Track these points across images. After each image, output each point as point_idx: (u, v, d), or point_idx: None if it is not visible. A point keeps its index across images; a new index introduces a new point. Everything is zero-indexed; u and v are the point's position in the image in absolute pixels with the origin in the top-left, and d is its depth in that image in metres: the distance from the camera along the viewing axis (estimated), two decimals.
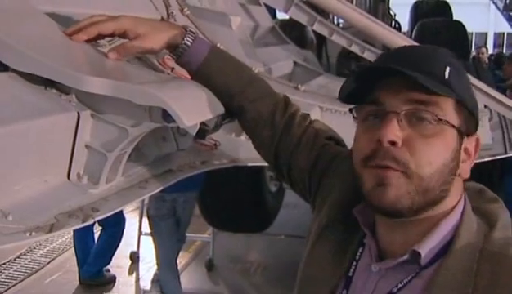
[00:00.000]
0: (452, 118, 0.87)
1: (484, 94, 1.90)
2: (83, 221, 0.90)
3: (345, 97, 0.93)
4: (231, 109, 1.15)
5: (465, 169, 0.91)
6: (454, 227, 0.90)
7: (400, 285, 0.89)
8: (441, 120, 0.85)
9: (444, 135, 0.86)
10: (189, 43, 1.11)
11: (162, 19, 1.51)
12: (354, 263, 0.97)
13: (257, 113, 1.16)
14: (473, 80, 1.91)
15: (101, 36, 1.06)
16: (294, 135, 1.16)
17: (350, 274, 0.96)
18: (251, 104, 1.16)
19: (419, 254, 0.87)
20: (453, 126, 0.86)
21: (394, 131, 0.84)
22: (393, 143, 0.84)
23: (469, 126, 0.90)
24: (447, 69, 0.87)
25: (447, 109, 0.86)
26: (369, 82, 0.89)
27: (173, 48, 1.12)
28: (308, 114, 1.22)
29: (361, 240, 0.98)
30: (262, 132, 1.18)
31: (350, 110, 0.94)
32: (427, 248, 0.88)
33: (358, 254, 0.97)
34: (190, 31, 1.13)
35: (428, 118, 0.85)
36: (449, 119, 0.86)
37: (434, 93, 0.84)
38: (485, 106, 1.90)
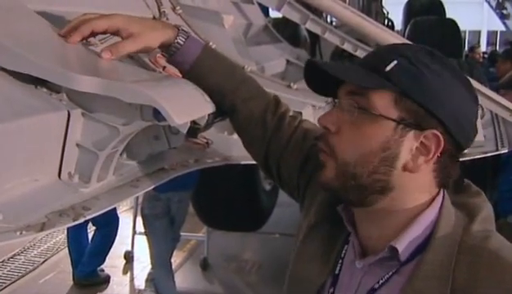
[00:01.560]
0: (385, 109, 0.88)
1: (477, 91, 1.90)
2: (74, 220, 0.90)
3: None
4: (222, 108, 1.16)
5: (418, 164, 0.89)
6: (432, 222, 0.91)
7: (381, 281, 0.91)
8: (365, 110, 0.88)
9: (373, 125, 0.88)
10: (181, 42, 1.11)
11: (154, 18, 1.51)
12: (340, 261, 0.99)
13: (248, 112, 1.17)
14: None
15: (93, 34, 1.05)
16: (284, 135, 1.17)
17: (337, 272, 0.98)
18: (243, 104, 1.16)
19: (397, 250, 0.89)
20: (384, 117, 0.88)
21: (328, 118, 0.93)
22: (327, 128, 0.93)
23: (419, 119, 0.88)
24: (393, 63, 0.88)
25: (381, 100, 0.88)
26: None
27: (166, 47, 1.12)
28: (299, 114, 1.23)
29: (346, 238, 1.00)
30: (252, 132, 1.19)
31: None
32: (404, 244, 0.89)
33: (344, 251, 0.99)
34: (183, 30, 1.13)
35: (349, 107, 0.90)
36: (378, 110, 0.88)
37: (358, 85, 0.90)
38: None
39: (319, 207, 1.06)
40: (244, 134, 1.22)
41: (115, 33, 1.07)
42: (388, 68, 0.88)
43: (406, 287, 0.87)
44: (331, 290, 0.97)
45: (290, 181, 1.17)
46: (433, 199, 0.92)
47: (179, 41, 1.11)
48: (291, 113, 1.22)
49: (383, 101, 0.88)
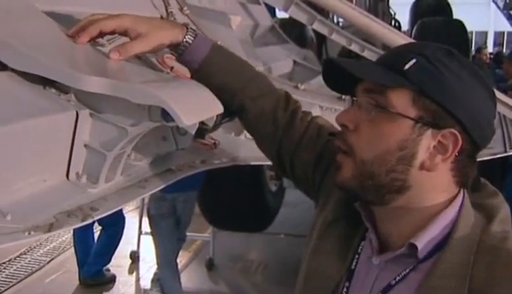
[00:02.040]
0: (404, 107, 0.88)
1: None
2: (83, 220, 0.90)
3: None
4: (232, 106, 1.15)
5: (435, 163, 0.89)
6: (452, 221, 0.91)
7: (398, 277, 0.91)
8: (383, 108, 0.88)
9: (391, 124, 0.89)
10: (190, 41, 1.11)
11: (161, 18, 1.51)
12: (356, 256, 0.99)
13: (259, 110, 1.16)
14: None
15: (101, 34, 1.05)
16: (297, 132, 1.16)
17: (352, 267, 0.98)
18: (253, 102, 1.16)
19: (416, 247, 0.89)
20: (403, 116, 0.88)
21: (346, 116, 0.93)
22: (345, 126, 0.93)
23: (436, 118, 0.88)
24: (412, 61, 0.88)
25: (399, 99, 0.88)
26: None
27: (174, 46, 1.12)
28: (310, 112, 1.22)
29: (363, 234, 1.00)
30: (264, 129, 1.18)
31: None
32: (423, 241, 0.89)
33: (360, 247, 0.99)
34: (192, 29, 1.13)
35: (368, 105, 0.90)
36: (396, 108, 0.88)
37: (378, 83, 0.89)
38: None
39: (335, 204, 1.05)
40: (256, 132, 1.21)
41: (123, 33, 1.07)
42: (407, 66, 0.88)
43: (423, 284, 0.88)
44: (346, 284, 0.97)
45: (305, 178, 1.17)
46: (452, 199, 0.92)
47: (187, 40, 1.11)
48: (303, 110, 1.21)
49: (401, 100, 0.88)
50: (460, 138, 0.88)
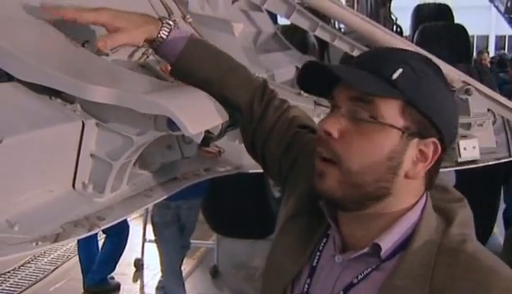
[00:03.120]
0: (394, 118, 0.88)
1: (487, 97, 1.90)
2: (89, 230, 0.90)
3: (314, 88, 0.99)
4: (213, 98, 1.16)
5: (417, 171, 0.90)
6: (414, 223, 0.92)
7: (360, 276, 0.92)
8: (375, 119, 0.87)
9: (381, 134, 0.88)
10: (164, 36, 1.13)
11: (159, 19, 1.51)
12: (318, 253, 0.99)
13: (235, 102, 1.17)
14: (476, 84, 1.91)
15: (76, 23, 1.06)
16: (269, 122, 1.17)
17: (314, 264, 0.99)
18: (230, 92, 1.15)
19: (380, 247, 0.90)
20: (393, 127, 0.87)
21: (331, 123, 0.90)
22: (329, 134, 0.89)
23: (421, 128, 0.89)
24: (399, 70, 0.88)
25: (388, 109, 0.88)
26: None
27: (150, 42, 1.14)
28: (286, 100, 1.22)
29: (325, 231, 1.01)
30: (241, 120, 1.19)
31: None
32: (387, 242, 0.91)
33: (322, 244, 1.00)
34: (167, 23, 1.14)
35: (359, 116, 0.88)
36: (386, 119, 0.87)
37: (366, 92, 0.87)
38: (488, 110, 1.90)
39: (298, 199, 1.06)
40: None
41: (101, 26, 1.09)
42: (395, 76, 0.88)
43: (386, 283, 0.89)
44: (308, 281, 0.98)
45: (273, 167, 1.18)
46: (416, 202, 0.94)
47: (162, 35, 1.13)
48: (278, 99, 1.21)
49: (391, 110, 0.88)
50: (439, 147, 0.90)
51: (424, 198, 0.95)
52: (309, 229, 1.02)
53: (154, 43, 1.13)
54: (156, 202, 1.12)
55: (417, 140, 0.89)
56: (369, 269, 0.92)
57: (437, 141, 0.90)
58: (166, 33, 1.13)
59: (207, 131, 1.04)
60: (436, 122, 0.89)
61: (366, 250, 0.91)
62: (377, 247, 0.91)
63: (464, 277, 0.85)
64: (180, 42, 1.14)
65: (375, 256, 0.91)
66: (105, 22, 1.08)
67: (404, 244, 0.91)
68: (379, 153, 0.88)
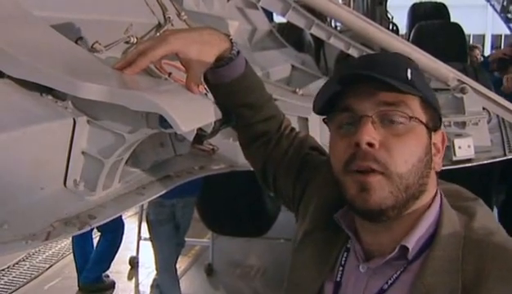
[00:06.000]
0: (420, 114, 0.91)
1: (483, 96, 1.90)
2: (80, 229, 0.89)
3: (319, 109, 0.97)
4: (243, 120, 1.18)
5: (437, 162, 0.95)
6: (435, 220, 0.93)
7: (390, 281, 0.92)
8: (411, 118, 0.90)
9: (415, 133, 0.91)
10: (234, 57, 1.10)
11: (159, 24, 1.51)
12: (341, 268, 0.99)
13: (265, 130, 1.20)
14: (472, 82, 1.91)
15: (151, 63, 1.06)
16: (282, 148, 1.20)
17: (338, 279, 0.98)
18: (264, 122, 1.19)
19: (407, 248, 0.90)
20: (422, 123, 0.91)
21: (370, 133, 0.88)
22: (371, 144, 0.88)
23: (434, 121, 0.94)
24: (409, 71, 0.91)
25: (415, 107, 0.91)
26: (337, 91, 0.92)
27: (217, 60, 1.10)
28: (294, 128, 1.26)
29: (343, 245, 1.01)
30: (259, 147, 1.22)
31: (324, 121, 0.98)
32: (413, 242, 0.91)
33: (343, 259, 0.99)
34: (235, 42, 1.12)
35: (398, 118, 0.89)
36: (418, 116, 0.91)
37: (401, 93, 0.88)
38: (483, 108, 1.90)
39: (313, 214, 1.07)
40: (250, 146, 1.24)
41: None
42: (410, 75, 0.91)
43: (416, 283, 0.88)
44: None
45: (286, 191, 1.19)
46: (433, 198, 0.95)
47: (232, 56, 1.10)
48: (290, 127, 1.25)
49: (416, 107, 0.91)
50: (445, 137, 0.98)
51: (438, 194, 0.97)
52: (326, 244, 1.02)
53: (219, 62, 1.10)
54: (149, 200, 1.11)
55: (433, 133, 0.94)
56: (398, 273, 0.92)
57: (444, 132, 0.97)
58: (235, 54, 1.10)
59: (200, 129, 1.04)
60: (441, 115, 0.96)
61: (393, 254, 0.91)
62: (404, 249, 0.91)
63: (494, 268, 0.85)
64: (239, 67, 1.12)
65: (401, 258, 0.91)
66: (178, 50, 1.04)
67: (429, 242, 0.92)
68: (418, 151, 0.90)
